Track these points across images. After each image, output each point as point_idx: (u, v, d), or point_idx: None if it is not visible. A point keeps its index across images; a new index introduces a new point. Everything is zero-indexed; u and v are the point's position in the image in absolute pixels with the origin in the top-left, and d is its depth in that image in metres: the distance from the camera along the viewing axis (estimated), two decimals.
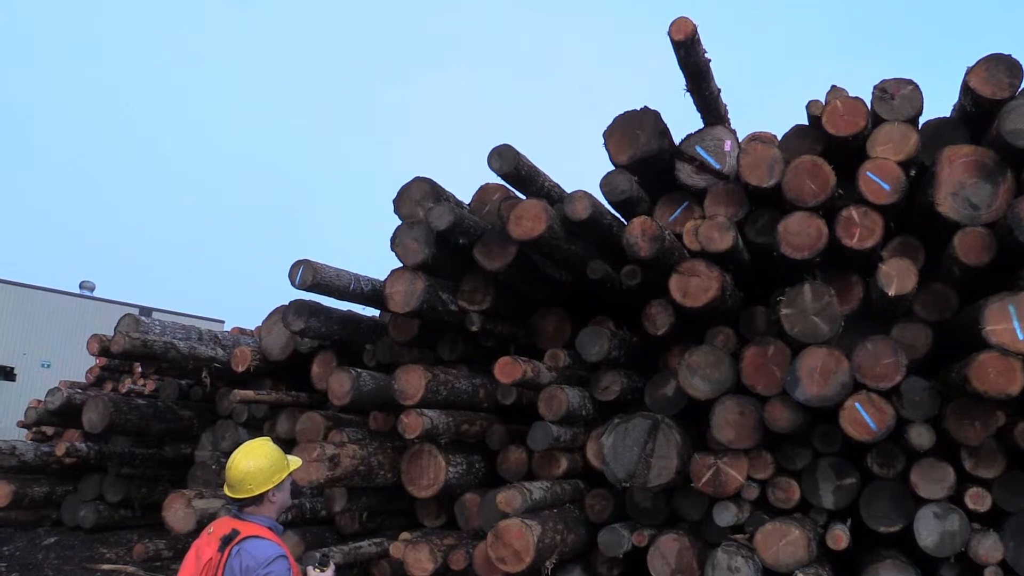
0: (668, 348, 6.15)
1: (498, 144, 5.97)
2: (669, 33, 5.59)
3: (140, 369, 10.38)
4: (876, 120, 5.64)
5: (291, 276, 6.16)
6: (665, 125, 6.08)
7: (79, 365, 13.84)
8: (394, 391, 5.90)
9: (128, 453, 8.85)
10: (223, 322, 26.74)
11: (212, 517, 6.02)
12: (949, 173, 5.35)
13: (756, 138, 6.42)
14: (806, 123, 6.31)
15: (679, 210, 6.19)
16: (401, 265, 6.23)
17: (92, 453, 8.77)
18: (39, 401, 10.46)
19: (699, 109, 6.45)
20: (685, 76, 6.06)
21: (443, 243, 6.08)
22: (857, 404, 5.06)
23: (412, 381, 5.85)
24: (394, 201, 6.74)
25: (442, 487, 5.94)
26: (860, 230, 5.34)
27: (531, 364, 5.80)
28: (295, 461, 3.53)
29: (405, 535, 6.07)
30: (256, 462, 3.32)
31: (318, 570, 3.49)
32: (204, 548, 3.25)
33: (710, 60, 6.04)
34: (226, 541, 3.18)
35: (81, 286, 28.55)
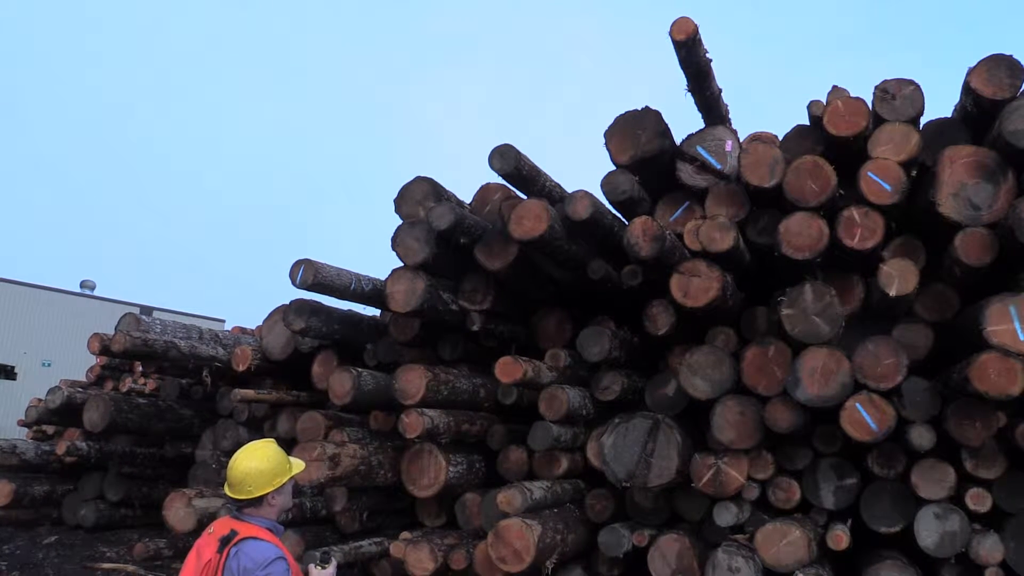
0: (669, 348, 6.15)
1: (500, 144, 5.97)
2: (670, 33, 5.60)
3: (141, 368, 10.38)
4: (877, 120, 5.64)
5: (292, 275, 6.16)
6: (666, 125, 6.08)
7: (80, 364, 13.84)
8: (395, 391, 5.90)
9: (128, 452, 8.85)
10: (224, 321, 26.74)
11: (212, 516, 6.02)
12: (950, 173, 5.35)
13: (757, 138, 6.42)
14: (807, 123, 6.31)
15: (680, 210, 6.18)
16: (402, 265, 6.23)
17: (93, 452, 8.77)
18: (40, 400, 10.45)
19: (700, 109, 6.46)
20: (686, 76, 6.07)
21: (444, 243, 6.07)
22: (858, 404, 5.06)
23: (413, 381, 5.85)
24: (395, 201, 6.75)
25: (442, 487, 5.94)
26: (861, 230, 5.34)
27: (532, 364, 5.80)
28: (298, 465, 3.51)
29: (405, 535, 6.07)
30: (258, 464, 3.31)
31: (319, 568, 3.48)
32: (204, 549, 3.25)
33: (711, 60, 6.05)
34: (224, 542, 3.18)
35: (82, 285, 28.56)
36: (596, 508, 5.91)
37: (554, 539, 5.27)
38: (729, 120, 6.77)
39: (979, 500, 5.19)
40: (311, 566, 3.49)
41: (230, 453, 7.28)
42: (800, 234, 5.35)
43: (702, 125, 6.37)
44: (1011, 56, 5.42)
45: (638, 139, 6.04)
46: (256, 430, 7.91)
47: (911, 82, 5.68)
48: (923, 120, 5.86)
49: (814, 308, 5.24)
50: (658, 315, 5.79)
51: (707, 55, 5.95)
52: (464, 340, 6.79)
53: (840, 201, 5.52)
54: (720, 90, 6.50)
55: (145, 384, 9.92)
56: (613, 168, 6.14)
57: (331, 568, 3.51)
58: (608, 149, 6.16)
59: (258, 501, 3.30)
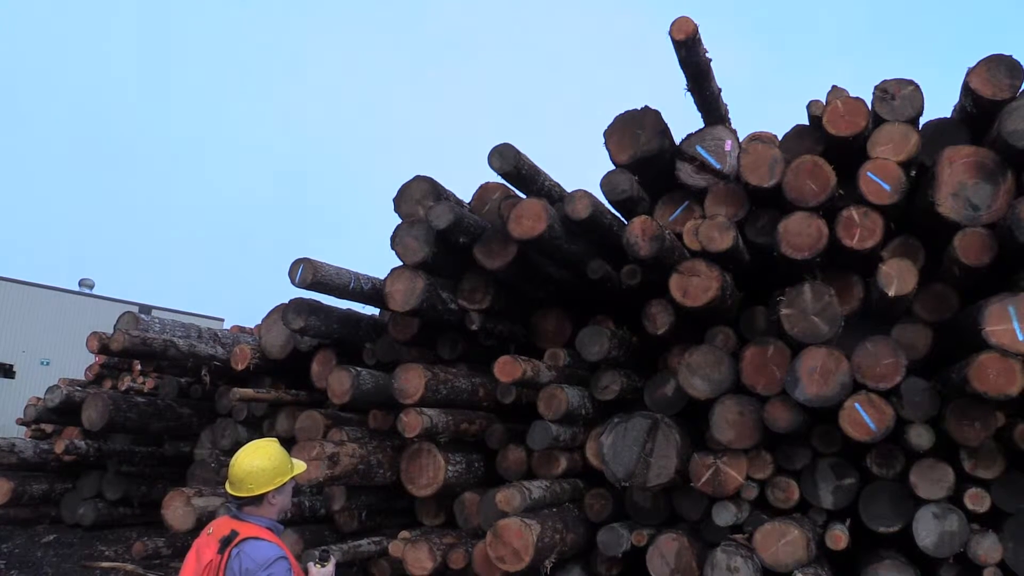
0: (668, 348, 6.15)
1: (499, 143, 5.97)
2: (670, 33, 5.60)
3: (139, 367, 10.37)
4: (877, 120, 5.64)
5: (291, 274, 6.16)
6: (665, 124, 6.08)
7: (78, 363, 13.84)
8: (394, 390, 5.90)
9: (127, 451, 8.85)
10: (223, 320, 26.71)
11: (211, 515, 6.02)
12: (949, 173, 5.36)
13: (756, 138, 6.41)
14: (807, 123, 6.31)
15: (679, 210, 6.18)
16: (401, 264, 6.22)
17: (91, 451, 8.77)
18: (38, 399, 10.45)
19: (700, 109, 6.46)
20: (686, 75, 6.06)
21: (443, 242, 6.07)
22: (857, 404, 5.06)
23: (412, 380, 5.85)
24: (394, 200, 6.74)
25: (441, 486, 5.94)
26: (860, 230, 5.34)
27: (531, 363, 5.80)
28: (299, 466, 3.51)
29: (404, 534, 6.07)
30: (260, 462, 3.31)
31: (318, 566, 3.49)
32: (204, 549, 3.24)
33: (711, 60, 6.05)
34: (225, 543, 3.17)
35: (81, 284, 28.53)
36: (595, 507, 5.91)
37: (553, 538, 5.27)
38: (728, 120, 6.77)
39: (978, 500, 5.19)
40: (310, 565, 3.50)
41: (229, 452, 7.28)
42: (799, 234, 5.35)
43: (702, 125, 6.37)
44: (1011, 56, 5.41)
45: (638, 138, 6.04)
46: (255, 429, 7.92)
47: (910, 82, 5.68)
48: (922, 120, 5.86)
49: (813, 308, 5.24)
50: (657, 315, 5.79)
51: (707, 55, 5.95)
52: (463, 339, 6.79)
53: (839, 201, 5.52)
54: (719, 90, 6.50)
55: (144, 383, 9.91)
56: (613, 167, 6.14)
57: (330, 567, 3.51)
58: (608, 148, 6.16)
59: (258, 500, 3.30)
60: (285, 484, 3.39)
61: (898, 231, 5.78)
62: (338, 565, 5.67)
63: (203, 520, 5.99)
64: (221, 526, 3.28)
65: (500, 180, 6.31)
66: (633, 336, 6.20)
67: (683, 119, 6.48)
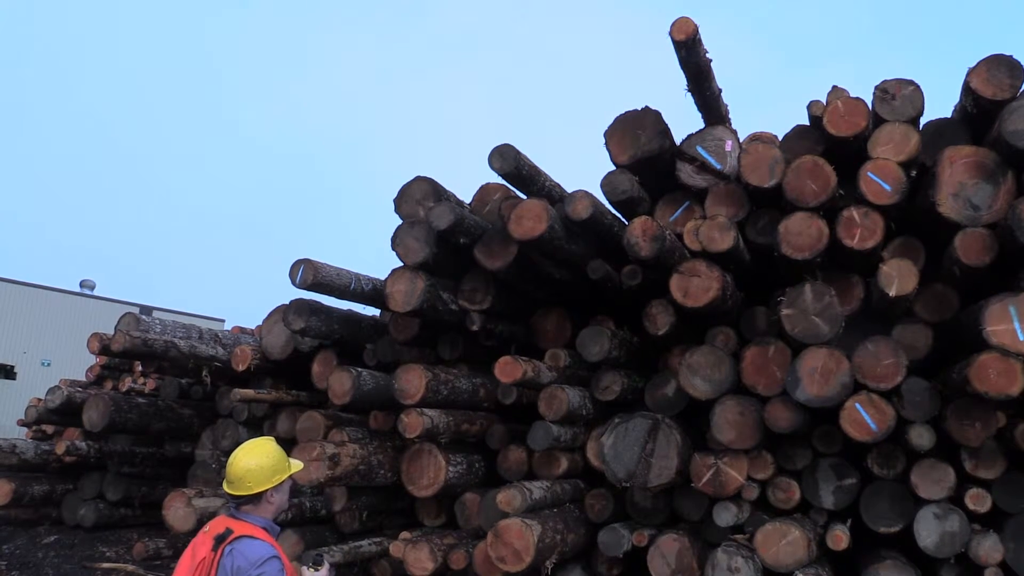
0: (668, 348, 6.15)
1: (499, 144, 5.97)
2: (670, 33, 5.60)
3: (140, 368, 10.37)
4: (877, 120, 5.64)
5: (292, 275, 6.16)
6: (666, 125, 6.08)
7: (79, 363, 13.83)
8: (394, 390, 5.90)
9: (128, 452, 8.85)
10: (223, 321, 26.76)
11: (212, 516, 6.01)
12: (950, 174, 5.35)
13: (757, 138, 6.42)
14: (807, 123, 6.31)
15: (680, 210, 6.19)
16: (402, 264, 6.22)
17: (92, 452, 8.77)
18: (39, 399, 10.44)
19: (700, 109, 6.46)
20: (686, 76, 6.07)
21: (444, 242, 6.07)
22: (857, 404, 5.06)
23: (412, 380, 5.85)
24: (395, 200, 6.74)
25: (442, 486, 5.94)
26: (861, 230, 5.34)
27: (531, 364, 5.80)
28: (296, 464, 3.53)
29: (405, 534, 6.07)
30: (258, 460, 3.33)
31: (312, 570, 3.48)
32: (199, 546, 3.26)
33: (711, 60, 6.05)
34: (219, 540, 3.18)
35: (82, 285, 28.59)
36: (596, 508, 5.91)
37: (554, 539, 5.27)
38: (729, 120, 6.77)
39: (979, 500, 5.19)
40: (304, 568, 3.49)
41: (229, 453, 7.26)
42: (800, 234, 5.35)
43: (702, 125, 6.37)
44: (1011, 56, 5.41)
45: (638, 139, 6.04)
46: (256, 430, 7.91)
47: (911, 82, 5.68)
48: (923, 120, 5.86)
49: (814, 308, 5.24)
50: (658, 315, 5.79)
51: (707, 55, 5.95)
52: (464, 340, 6.79)
53: (840, 201, 5.52)
54: (720, 90, 6.50)
55: (145, 384, 9.91)
56: (613, 168, 6.14)
57: (324, 570, 3.50)
58: (608, 149, 6.15)
59: (257, 498, 3.31)
60: (283, 482, 3.40)
61: (898, 231, 5.78)
62: (339, 566, 5.69)
63: (203, 521, 5.98)
64: (217, 524, 3.30)
65: (501, 181, 6.31)
66: (634, 336, 6.20)
67: (683, 119, 6.49)
